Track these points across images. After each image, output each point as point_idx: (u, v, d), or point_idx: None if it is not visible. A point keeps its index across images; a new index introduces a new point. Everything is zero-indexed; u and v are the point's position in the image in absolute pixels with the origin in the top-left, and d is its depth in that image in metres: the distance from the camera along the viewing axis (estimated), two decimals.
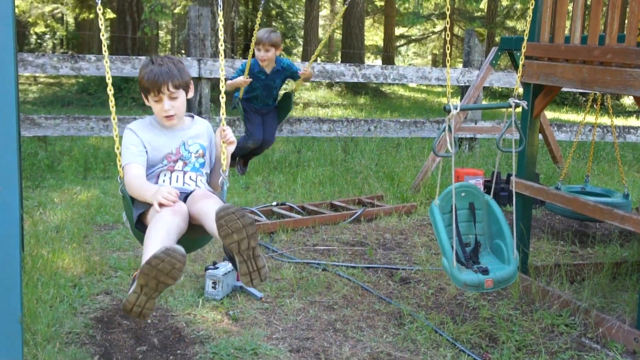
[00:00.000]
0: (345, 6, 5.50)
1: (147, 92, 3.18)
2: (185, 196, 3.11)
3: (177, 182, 3.20)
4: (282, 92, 5.60)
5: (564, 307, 4.29)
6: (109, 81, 3.07)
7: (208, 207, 2.89)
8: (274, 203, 6.61)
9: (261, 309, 4.31)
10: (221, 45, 3.40)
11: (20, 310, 3.05)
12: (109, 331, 3.91)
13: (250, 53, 4.99)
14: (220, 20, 3.33)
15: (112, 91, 3.08)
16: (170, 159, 3.24)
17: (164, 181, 3.21)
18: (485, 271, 3.81)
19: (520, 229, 4.64)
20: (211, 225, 2.80)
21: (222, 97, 3.23)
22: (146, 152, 3.19)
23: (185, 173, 3.24)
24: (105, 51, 3.11)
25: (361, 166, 8.31)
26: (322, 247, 5.57)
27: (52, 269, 4.61)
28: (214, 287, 4.40)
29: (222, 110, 3.21)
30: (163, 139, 3.23)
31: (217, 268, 4.46)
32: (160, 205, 2.90)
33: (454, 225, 3.92)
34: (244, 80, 4.99)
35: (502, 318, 4.24)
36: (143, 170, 3.16)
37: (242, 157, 5.58)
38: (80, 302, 4.25)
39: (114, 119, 3.09)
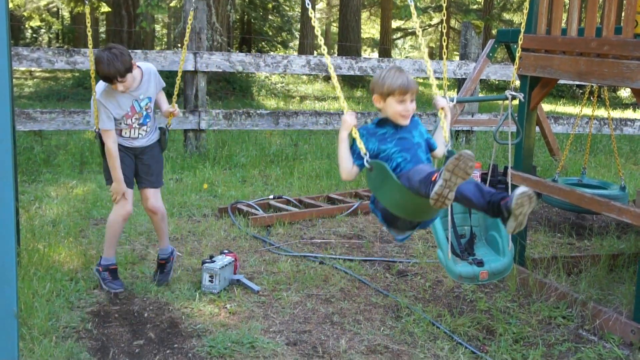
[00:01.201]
0: None
1: (105, 80, 4.13)
2: (138, 153, 4.39)
3: (134, 134, 4.34)
4: None
5: (561, 300, 4.29)
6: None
7: (156, 225, 4.59)
8: (271, 196, 6.60)
9: (258, 302, 4.31)
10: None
11: (16, 304, 3.04)
12: (105, 325, 3.91)
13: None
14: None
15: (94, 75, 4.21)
16: (128, 116, 4.27)
17: (125, 134, 4.32)
18: (480, 263, 3.81)
19: None
20: (157, 233, 4.65)
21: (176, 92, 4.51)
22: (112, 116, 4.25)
23: (140, 127, 4.33)
24: (90, 43, 4.25)
25: None
26: (319, 240, 5.57)
27: (49, 263, 4.60)
28: (211, 281, 4.39)
29: (175, 97, 4.53)
30: (121, 103, 4.23)
31: (214, 261, 4.45)
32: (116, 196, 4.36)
33: (449, 216, 3.92)
34: (345, 120, 3.24)
35: (500, 310, 4.24)
36: (115, 136, 4.25)
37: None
38: (77, 296, 4.25)
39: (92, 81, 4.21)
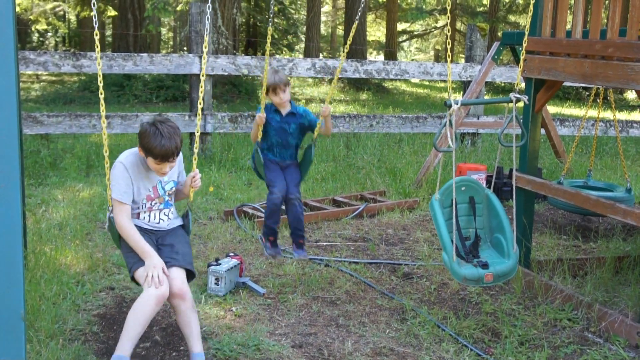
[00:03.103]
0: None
1: (153, 157, 3.49)
2: (159, 237, 3.69)
3: (154, 219, 3.70)
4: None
5: (566, 302, 4.29)
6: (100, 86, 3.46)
7: (184, 318, 3.48)
8: None
9: (264, 304, 4.32)
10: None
11: (23, 307, 3.06)
12: (112, 328, 3.92)
13: (263, 94, 4.62)
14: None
15: (103, 95, 3.51)
16: (149, 198, 3.66)
17: (144, 218, 3.67)
18: (485, 265, 3.82)
19: (523, 223, 4.63)
20: (184, 331, 3.49)
21: (196, 148, 3.75)
22: (132, 189, 3.60)
23: (160, 211, 3.72)
24: (97, 51, 3.48)
25: (363, 162, 8.31)
26: (325, 243, 5.58)
27: (55, 266, 4.62)
28: (216, 284, 4.40)
29: (195, 156, 3.69)
30: (145, 181, 3.64)
31: (220, 264, 4.46)
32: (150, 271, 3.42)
33: (454, 219, 3.92)
34: (259, 116, 4.56)
35: (505, 313, 4.24)
36: (130, 212, 3.61)
37: (270, 234, 4.68)
38: (83, 299, 4.26)
39: (103, 122, 3.53)
